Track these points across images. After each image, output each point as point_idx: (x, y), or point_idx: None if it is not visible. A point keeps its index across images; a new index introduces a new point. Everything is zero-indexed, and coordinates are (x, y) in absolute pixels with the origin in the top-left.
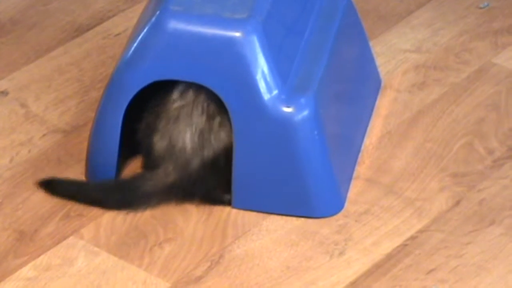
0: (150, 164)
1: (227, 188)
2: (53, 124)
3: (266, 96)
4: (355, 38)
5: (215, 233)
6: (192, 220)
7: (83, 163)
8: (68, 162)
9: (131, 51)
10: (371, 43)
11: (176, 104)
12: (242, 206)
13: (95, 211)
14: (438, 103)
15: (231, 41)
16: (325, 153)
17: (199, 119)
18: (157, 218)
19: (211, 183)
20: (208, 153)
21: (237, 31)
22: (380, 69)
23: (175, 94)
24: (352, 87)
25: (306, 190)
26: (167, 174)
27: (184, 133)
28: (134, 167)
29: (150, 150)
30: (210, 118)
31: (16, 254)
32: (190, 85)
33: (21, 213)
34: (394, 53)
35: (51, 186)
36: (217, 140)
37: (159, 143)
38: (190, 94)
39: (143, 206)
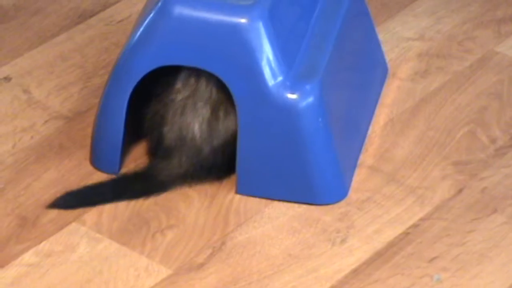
0: (161, 153)
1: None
2: (56, 111)
3: (271, 82)
4: (362, 25)
5: (217, 220)
6: (194, 207)
7: (85, 150)
8: (70, 148)
9: (137, 36)
10: None
11: (180, 95)
12: (246, 192)
13: None
14: (441, 92)
15: (236, 27)
16: (329, 140)
17: (203, 110)
18: (160, 205)
19: (222, 168)
20: (217, 141)
21: (242, 17)
22: None
23: (179, 83)
24: (358, 74)
25: (310, 177)
26: (180, 164)
27: (192, 124)
28: (137, 152)
29: (160, 141)
30: (214, 107)
31: (18, 240)
32: (191, 73)
33: (23, 199)
34: (397, 41)
35: (65, 202)
36: (225, 128)
37: (169, 134)
38: (192, 83)
39: (160, 193)
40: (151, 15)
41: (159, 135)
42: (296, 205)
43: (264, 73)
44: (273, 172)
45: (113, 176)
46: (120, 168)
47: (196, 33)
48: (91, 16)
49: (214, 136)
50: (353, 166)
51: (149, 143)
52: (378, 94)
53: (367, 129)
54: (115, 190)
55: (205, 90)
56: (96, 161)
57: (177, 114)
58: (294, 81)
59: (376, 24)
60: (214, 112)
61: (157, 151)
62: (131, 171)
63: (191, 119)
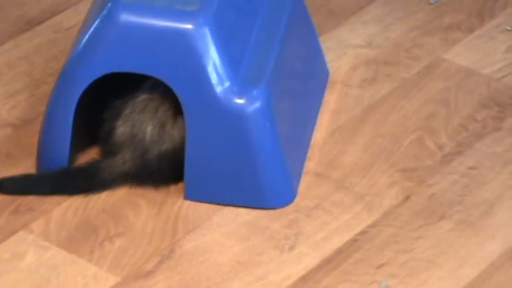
0: (108, 149)
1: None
2: (3, 118)
3: (218, 88)
4: (304, 31)
5: (166, 227)
6: (142, 214)
7: (33, 158)
8: (17, 156)
9: (82, 44)
10: (321, 39)
11: (144, 96)
12: (194, 198)
13: (45, 205)
14: (389, 99)
15: (182, 33)
16: (277, 144)
17: (164, 114)
18: (108, 212)
19: (169, 174)
20: (167, 146)
21: (188, 23)
22: (330, 65)
23: (146, 86)
24: (301, 81)
25: (259, 182)
26: (124, 162)
27: (146, 125)
28: (85, 160)
29: (110, 135)
30: (175, 114)
31: None
32: (159, 82)
33: None
34: (345, 48)
35: (2, 186)
36: (179, 135)
37: (120, 130)
38: (161, 89)
39: (100, 191)
40: (97, 22)
41: (111, 128)
42: (244, 212)
43: (211, 79)
44: (221, 177)
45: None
46: None
47: (142, 40)
48: (38, 24)
49: (164, 141)
50: (300, 172)
51: (99, 136)
52: (320, 100)
53: (311, 136)
54: (56, 183)
55: (171, 99)
56: (43, 170)
57: (135, 112)
58: (241, 86)
59: (324, 31)
60: (173, 118)
61: (104, 146)
62: (74, 167)
63: (147, 120)
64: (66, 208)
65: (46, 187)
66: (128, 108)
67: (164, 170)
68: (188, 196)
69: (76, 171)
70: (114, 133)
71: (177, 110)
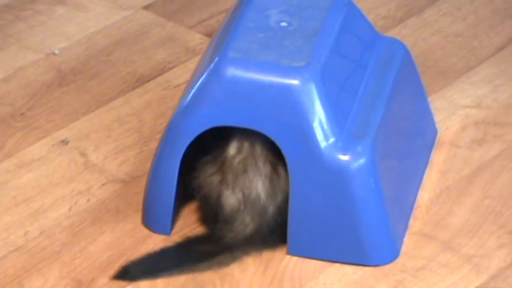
0: (222, 218)
1: None
2: (112, 174)
3: (322, 144)
4: (412, 88)
5: (272, 285)
6: (249, 271)
7: (141, 213)
8: (126, 212)
9: (189, 98)
10: (430, 98)
11: (238, 159)
12: (297, 253)
13: None
14: (498, 160)
15: (288, 88)
16: (381, 201)
17: (265, 167)
18: (214, 269)
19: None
20: (281, 197)
21: (294, 79)
22: (439, 125)
23: (232, 150)
24: (407, 139)
25: (362, 238)
26: (245, 225)
27: (256, 182)
28: (189, 214)
29: (220, 206)
30: (274, 165)
31: None
32: (243, 140)
33: (78, 262)
34: (453, 108)
35: (128, 273)
36: (286, 184)
37: (231, 198)
38: (246, 148)
39: (226, 255)
40: (203, 76)
41: (218, 200)
42: (351, 272)
43: (316, 135)
44: (324, 233)
45: (168, 241)
46: (171, 228)
47: (248, 94)
48: (148, 81)
49: (277, 193)
50: (403, 230)
51: (205, 207)
52: (427, 160)
53: (416, 195)
54: (180, 254)
55: (261, 152)
56: (149, 222)
57: (239, 175)
58: (346, 142)
59: (433, 91)
60: (274, 169)
61: (215, 217)
62: (193, 236)
63: (253, 177)
64: None
65: (171, 261)
66: (229, 175)
67: (283, 224)
68: (291, 251)
69: (198, 239)
70: (225, 203)
71: (272, 161)
